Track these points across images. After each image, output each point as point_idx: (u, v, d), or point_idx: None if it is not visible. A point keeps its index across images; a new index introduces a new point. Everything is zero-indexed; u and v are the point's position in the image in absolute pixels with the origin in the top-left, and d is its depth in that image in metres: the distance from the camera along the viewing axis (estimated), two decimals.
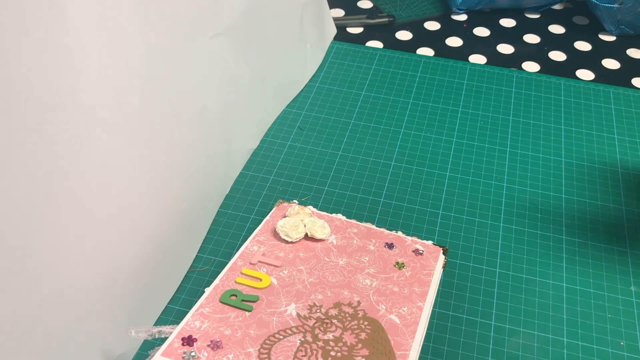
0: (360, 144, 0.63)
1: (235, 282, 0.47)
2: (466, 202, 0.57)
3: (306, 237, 0.51)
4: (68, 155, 0.37)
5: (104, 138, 0.39)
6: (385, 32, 0.80)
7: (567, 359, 0.46)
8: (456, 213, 0.56)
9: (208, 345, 0.42)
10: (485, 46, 0.78)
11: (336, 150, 0.62)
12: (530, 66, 0.75)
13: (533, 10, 0.85)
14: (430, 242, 0.51)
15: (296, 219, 0.51)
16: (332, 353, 0.42)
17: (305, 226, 0.51)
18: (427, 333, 0.46)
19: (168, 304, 0.48)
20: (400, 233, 0.52)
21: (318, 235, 0.50)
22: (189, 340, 0.42)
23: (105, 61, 0.39)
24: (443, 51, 0.77)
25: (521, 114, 0.67)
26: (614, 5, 0.78)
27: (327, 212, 0.53)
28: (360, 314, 0.45)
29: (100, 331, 0.42)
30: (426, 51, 0.77)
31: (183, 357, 0.41)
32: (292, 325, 0.44)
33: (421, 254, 0.50)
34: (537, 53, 0.77)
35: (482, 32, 0.81)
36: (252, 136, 0.62)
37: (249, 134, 0.62)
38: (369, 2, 0.87)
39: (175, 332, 0.43)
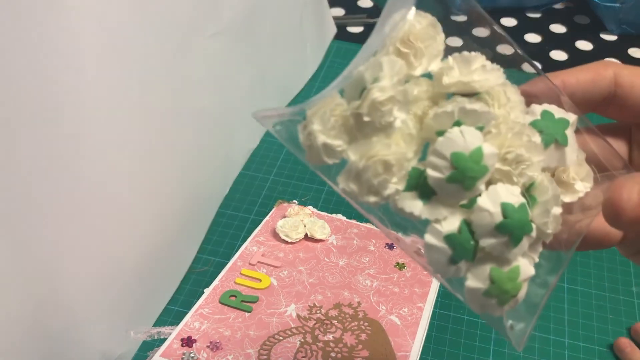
0: None
1: (235, 282, 0.47)
2: None
3: (306, 237, 0.50)
4: (66, 155, 0.37)
5: (102, 138, 0.39)
6: None
7: None
8: None
9: (207, 346, 0.42)
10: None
11: None
12: None
13: (534, 9, 0.85)
14: None
15: (296, 219, 0.51)
16: (332, 354, 0.42)
17: (305, 226, 0.50)
18: (427, 334, 0.46)
19: (167, 304, 0.48)
20: (400, 233, 0.52)
21: (318, 236, 0.50)
22: (188, 341, 0.42)
23: (104, 61, 0.38)
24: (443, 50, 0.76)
25: None
26: (616, 5, 0.77)
27: (327, 212, 0.53)
28: (361, 314, 0.45)
29: (99, 332, 0.42)
30: None
31: (182, 358, 0.41)
32: (292, 326, 0.44)
33: (422, 254, 0.50)
34: (538, 52, 0.77)
35: (482, 31, 0.81)
36: (252, 136, 0.62)
37: (249, 133, 0.61)
38: (370, 1, 0.87)
39: (174, 333, 0.43)
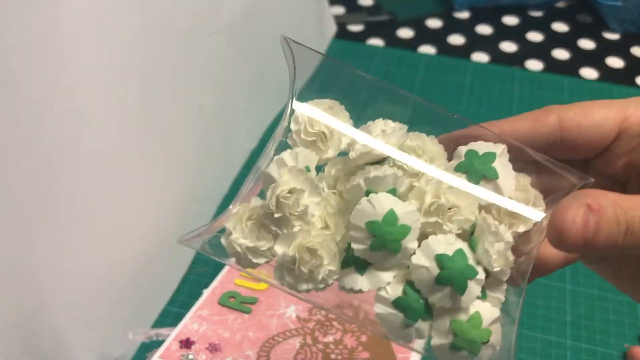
0: None
1: (234, 283, 0.46)
2: None
3: None
4: (64, 155, 0.36)
5: (100, 138, 0.39)
6: (386, 30, 0.80)
7: None
8: None
9: (206, 348, 0.42)
10: (488, 44, 0.77)
11: None
12: (534, 64, 0.74)
13: (536, 7, 0.84)
14: None
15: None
16: (332, 356, 0.42)
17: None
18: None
19: (166, 305, 0.48)
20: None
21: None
22: (187, 343, 0.42)
23: (102, 60, 0.38)
24: (445, 49, 0.76)
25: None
26: (618, 4, 0.77)
27: None
28: (361, 316, 0.44)
29: (98, 333, 0.42)
30: (428, 49, 0.76)
31: None
32: (292, 327, 0.43)
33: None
34: (541, 51, 0.76)
35: (484, 29, 0.80)
36: (251, 135, 0.62)
37: (248, 133, 0.61)
38: None
39: (173, 335, 0.43)
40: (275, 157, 0.24)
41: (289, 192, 0.23)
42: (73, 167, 0.37)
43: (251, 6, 0.56)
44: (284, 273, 0.23)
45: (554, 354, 0.45)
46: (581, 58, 0.75)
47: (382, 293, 0.23)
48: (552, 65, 0.74)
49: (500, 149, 0.24)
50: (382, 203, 0.22)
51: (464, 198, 0.23)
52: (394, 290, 0.23)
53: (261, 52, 0.59)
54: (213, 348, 0.42)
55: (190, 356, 0.41)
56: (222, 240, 0.24)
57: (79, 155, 0.38)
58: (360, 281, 0.23)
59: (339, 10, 0.83)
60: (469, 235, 0.23)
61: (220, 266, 0.48)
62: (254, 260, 0.24)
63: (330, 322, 0.44)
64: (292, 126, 0.25)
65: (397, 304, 0.23)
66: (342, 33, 0.79)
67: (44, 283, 0.37)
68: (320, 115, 0.25)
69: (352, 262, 0.23)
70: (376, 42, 0.78)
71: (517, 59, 0.75)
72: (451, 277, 0.22)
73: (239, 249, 0.23)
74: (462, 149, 0.24)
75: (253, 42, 0.58)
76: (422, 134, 0.25)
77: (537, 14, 0.84)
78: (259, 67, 0.60)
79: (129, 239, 0.43)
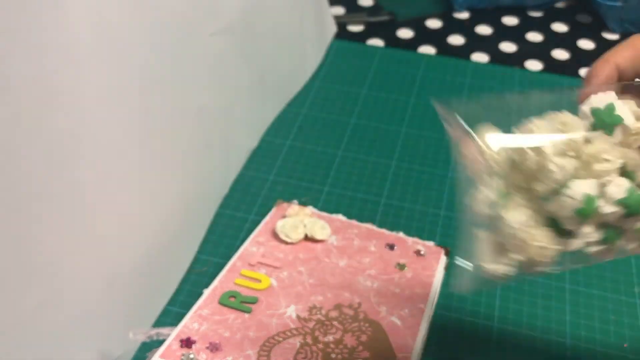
0: (360, 143, 0.62)
1: (235, 283, 0.46)
2: None
3: (306, 238, 0.50)
4: (65, 155, 0.36)
5: (101, 137, 0.39)
6: (386, 30, 0.80)
7: None
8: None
9: (207, 347, 0.42)
10: (487, 44, 0.77)
11: (336, 149, 0.62)
12: (533, 65, 0.74)
13: (535, 8, 0.84)
14: (432, 243, 0.51)
15: (296, 220, 0.50)
16: (333, 355, 0.42)
17: (305, 227, 0.50)
18: (428, 335, 0.45)
19: (166, 305, 0.48)
20: (401, 234, 0.52)
21: (318, 236, 0.50)
22: (187, 342, 0.42)
23: (103, 60, 0.38)
24: (445, 49, 0.76)
25: None
26: (618, 4, 0.77)
27: (327, 213, 0.53)
28: (361, 315, 0.45)
29: (98, 333, 0.42)
30: (428, 49, 0.76)
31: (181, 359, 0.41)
32: (292, 327, 0.44)
33: (423, 255, 0.49)
34: (540, 51, 0.77)
35: (484, 30, 0.80)
36: (252, 135, 0.62)
37: (248, 133, 0.61)
38: None
39: (173, 334, 0.43)
40: (480, 197, 0.31)
41: (509, 221, 0.30)
42: (73, 167, 0.37)
43: (251, 6, 0.56)
44: (529, 270, 0.31)
45: (554, 354, 0.45)
46: (581, 58, 0.76)
47: (590, 239, 0.30)
48: (552, 66, 0.74)
49: (612, 96, 0.30)
50: (578, 191, 0.29)
51: (612, 151, 0.29)
52: (598, 234, 0.30)
53: (261, 52, 0.59)
54: (213, 347, 0.42)
55: (191, 355, 0.41)
56: (480, 272, 0.31)
57: (78, 155, 0.38)
58: (575, 243, 0.30)
59: (339, 10, 0.83)
60: (625, 173, 0.30)
61: (220, 266, 0.48)
62: (504, 273, 0.31)
63: (330, 322, 0.44)
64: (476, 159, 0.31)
65: (602, 241, 0.30)
66: (342, 33, 0.79)
67: (43, 283, 0.37)
68: (488, 142, 0.31)
69: (560, 235, 0.30)
70: (376, 42, 0.78)
71: (516, 59, 0.75)
72: (631, 211, 0.29)
73: (493, 273, 0.31)
74: (585, 109, 0.31)
75: (253, 42, 0.58)
76: (564, 112, 0.31)
77: (537, 14, 0.84)
78: (259, 67, 0.60)
79: (128, 238, 0.43)
